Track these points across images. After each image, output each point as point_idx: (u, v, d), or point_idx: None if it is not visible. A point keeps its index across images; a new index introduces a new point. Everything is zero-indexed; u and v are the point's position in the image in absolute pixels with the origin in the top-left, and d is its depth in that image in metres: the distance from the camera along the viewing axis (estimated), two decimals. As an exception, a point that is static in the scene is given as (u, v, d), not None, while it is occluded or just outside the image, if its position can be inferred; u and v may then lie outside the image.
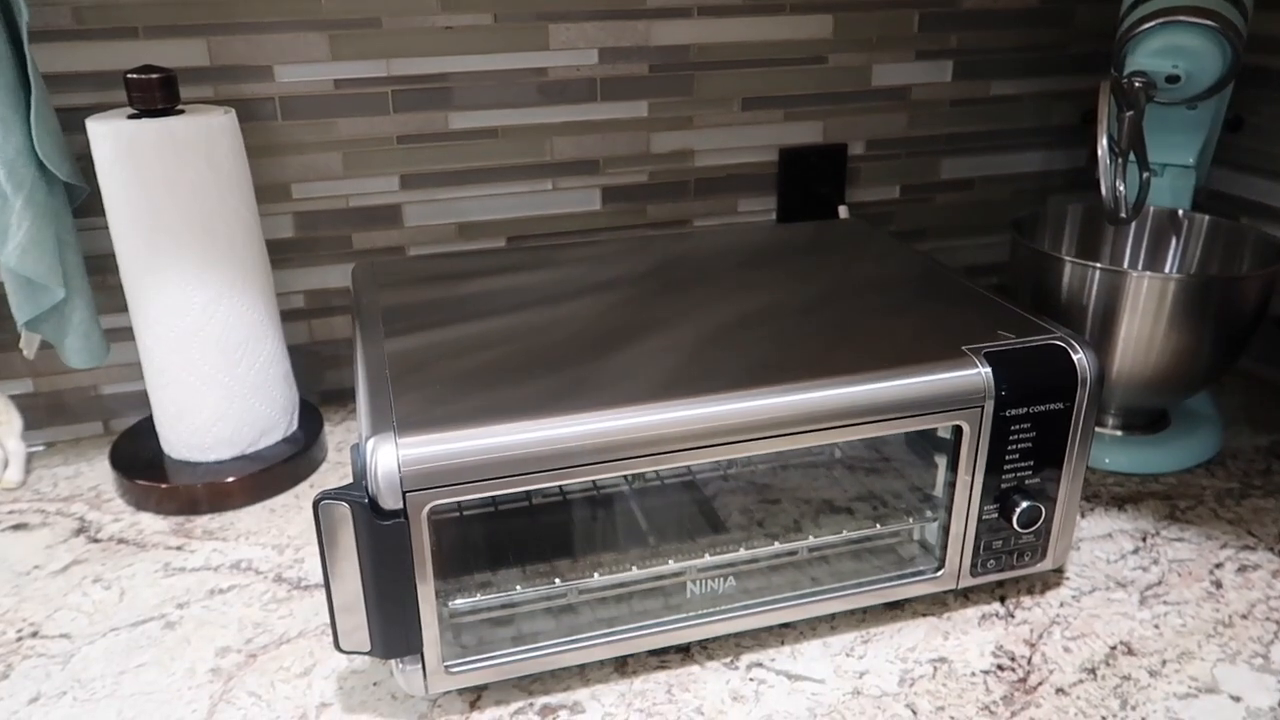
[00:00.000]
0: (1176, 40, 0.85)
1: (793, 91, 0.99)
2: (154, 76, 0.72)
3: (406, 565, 0.52)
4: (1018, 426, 0.61)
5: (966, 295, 0.72)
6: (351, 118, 0.88)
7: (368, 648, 0.54)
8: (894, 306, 0.70)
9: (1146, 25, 0.85)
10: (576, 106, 0.94)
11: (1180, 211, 0.89)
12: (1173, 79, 0.86)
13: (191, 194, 0.73)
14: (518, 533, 0.67)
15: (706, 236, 0.88)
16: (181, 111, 0.74)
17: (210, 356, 0.77)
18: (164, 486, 0.79)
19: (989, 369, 0.60)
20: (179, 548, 0.74)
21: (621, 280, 0.77)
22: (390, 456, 0.51)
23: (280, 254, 0.91)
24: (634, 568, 0.61)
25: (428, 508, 0.52)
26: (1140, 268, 0.92)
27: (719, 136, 0.99)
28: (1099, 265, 0.78)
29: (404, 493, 0.51)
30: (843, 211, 1.00)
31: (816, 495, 0.73)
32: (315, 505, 0.51)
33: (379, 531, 0.51)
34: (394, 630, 0.54)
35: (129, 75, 0.72)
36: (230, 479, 0.79)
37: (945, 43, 1.02)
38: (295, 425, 0.86)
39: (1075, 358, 0.62)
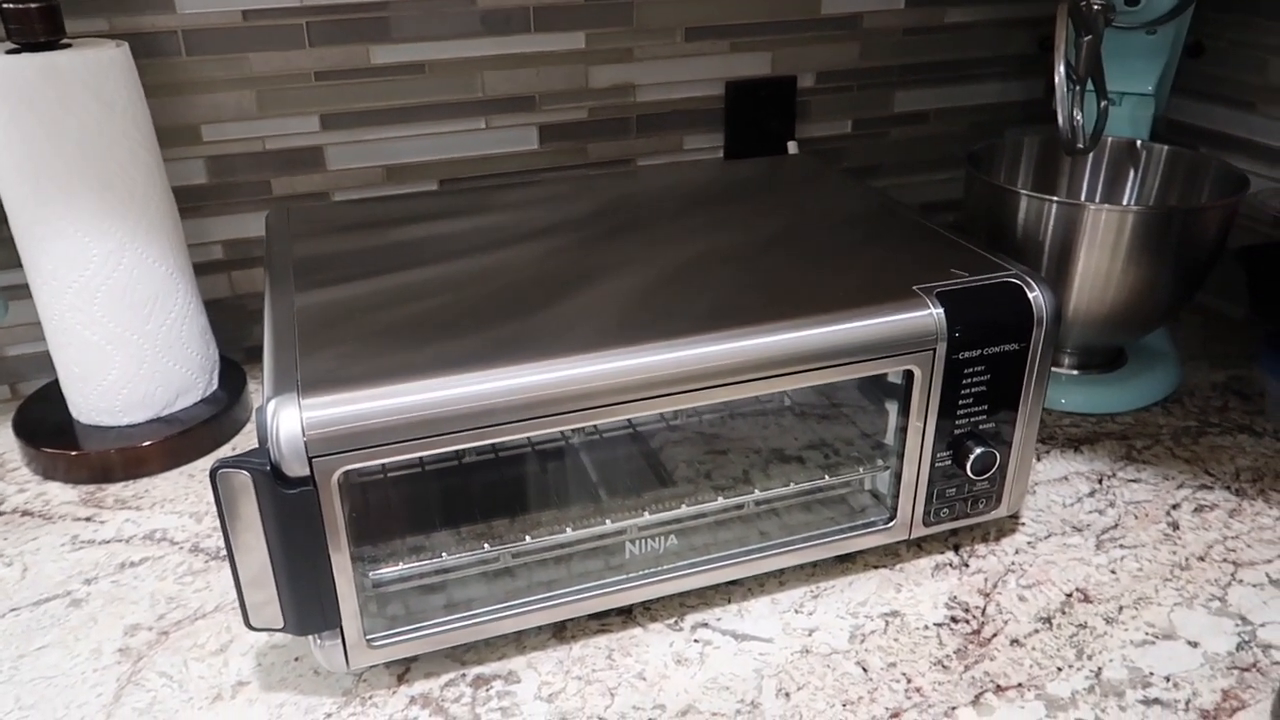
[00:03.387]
0: (1136, -41, 0.81)
1: (739, 20, 0.94)
2: (33, 6, 0.65)
3: (318, 536, 0.48)
4: (971, 370, 0.58)
5: (920, 233, 0.68)
6: (264, 52, 0.82)
7: (280, 624, 0.50)
8: (844, 246, 0.66)
9: (1105, -56, 0.81)
10: (509, 38, 0.88)
11: (1139, 142, 0.86)
12: (1132, 1, 0.83)
13: (81, 136, 0.67)
14: (448, 493, 0.64)
15: (649, 176, 0.83)
16: (68, 45, 0.68)
17: (116, 313, 0.72)
18: (73, 454, 0.73)
19: (941, 309, 0.57)
20: (88, 519, 0.69)
21: (560, 225, 0.72)
22: (293, 419, 0.47)
23: (193, 201, 0.85)
24: (570, 529, 0.58)
25: (338, 473, 0.48)
26: (1098, 200, 0.89)
27: (661, 69, 0.94)
28: (1055, 198, 0.74)
29: (310, 458, 0.47)
30: (792, 148, 0.95)
31: (766, 444, 0.70)
32: (212, 475, 0.46)
33: (284, 501, 0.47)
34: (308, 605, 0.50)
35: (4, 5, 0.65)
36: (145, 444, 0.74)
37: (897, -33, 0.98)
38: (215, 384, 0.81)
39: (1031, 296, 0.59)
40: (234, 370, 0.84)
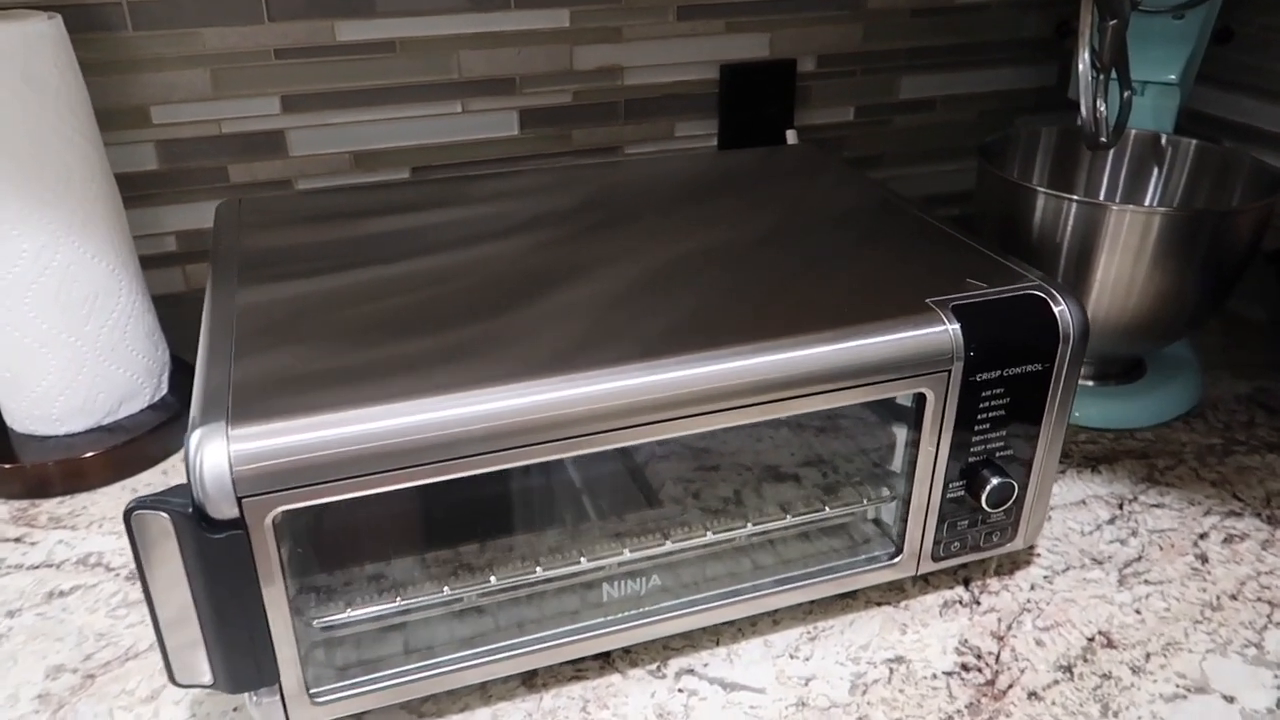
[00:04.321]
0: (1167, -63, 0.75)
1: (735, -2, 0.88)
2: (-51, -27, 0.59)
3: (250, 584, 0.42)
4: (989, 392, 0.52)
5: (930, 235, 0.62)
6: (219, 27, 0.75)
7: (209, 680, 0.44)
8: (847, 249, 0.60)
9: (1133, -80, 0.75)
10: (487, 15, 0.81)
11: (1164, 136, 0.80)
12: (1161, -18, 0.77)
13: (5, 119, 0.60)
14: (410, 513, 0.58)
15: (637, 167, 0.77)
16: (-9, 17, 0.61)
17: (49, 314, 0.65)
18: (6, 466, 0.67)
19: (957, 325, 0.51)
20: (18, 540, 0.63)
21: (538, 220, 0.66)
22: (219, 453, 0.41)
23: (142, 189, 0.78)
24: (540, 568, 0.52)
25: (274, 515, 0.42)
26: (1120, 199, 0.83)
27: (652, 50, 0.87)
28: (1075, 197, 0.68)
29: (239, 499, 0.41)
30: (791, 137, 0.89)
31: (759, 460, 0.64)
32: (126, 517, 0.40)
33: (210, 547, 0.41)
34: (240, 659, 0.44)
35: (-83, -29, 0.59)
36: (85, 455, 0.68)
37: (906, -57, 0.91)
38: (165, 389, 0.74)
39: (1056, 310, 0.53)
40: (187, 372, 0.78)
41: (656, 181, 0.74)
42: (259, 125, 0.79)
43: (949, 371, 0.51)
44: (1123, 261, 0.68)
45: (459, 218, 0.66)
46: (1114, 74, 0.75)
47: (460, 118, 0.84)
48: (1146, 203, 0.82)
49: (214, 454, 0.41)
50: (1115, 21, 0.73)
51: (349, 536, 0.51)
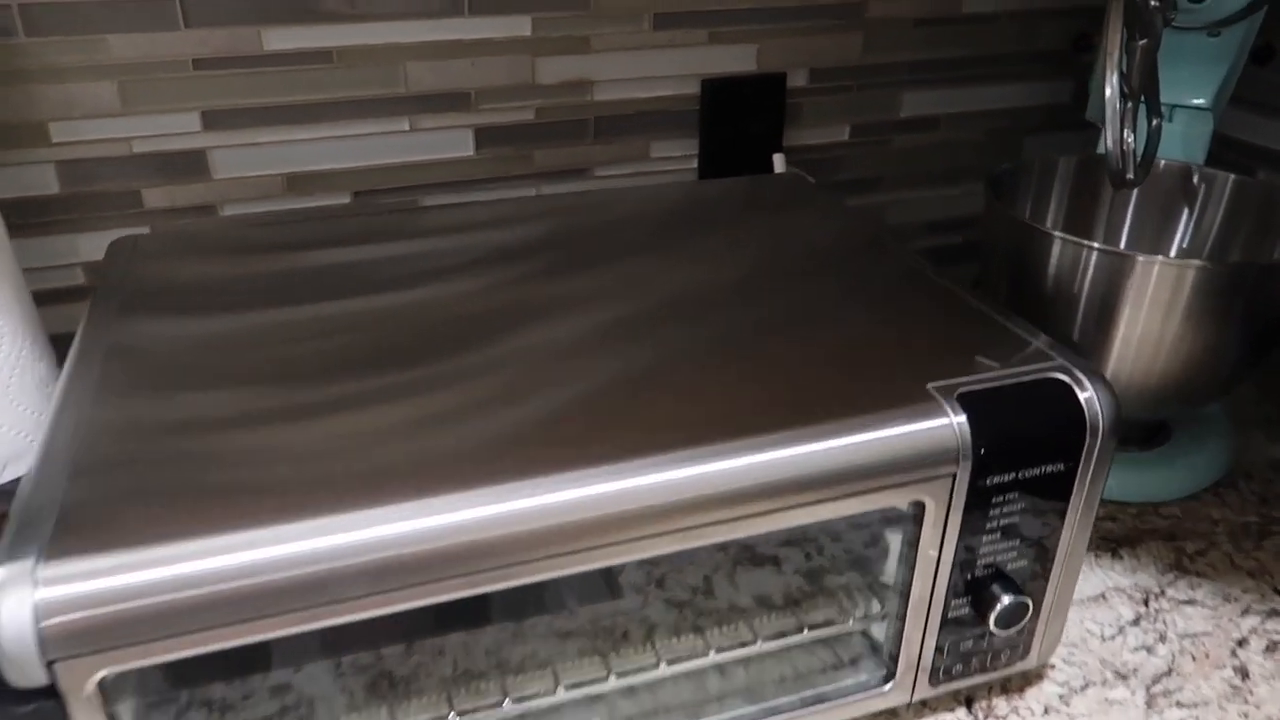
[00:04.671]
0: (1205, -55, 0.66)
1: (718, 5, 0.79)
2: None
3: (70, 762, 0.34)
4: (1002, 497, 0.44)
5: (928, 289, 0.53)
6: (128, 34, 0.66)
7: None
8: (832, 307, 0.51)
9: (1167, -75, 0.66)
10: (437, 22, 0.72)
11: (1196, 171, 0.71)
12: (1197, -4, 0.68)
13: None
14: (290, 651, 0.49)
15: (604, 199, 0.68)
16: None
17: (-88, 367, 0.57)
18: None
19: (963, 418, 0.42)
20: None
21: (485, 259, 0.58)
22: (21, 604, 0.32)
23: (40, 216, 0.69)
24: (456, 715, 0.43)
25: (99, 678, 0.33)
26: (1147, 242, 0.74)
27: (625, 63, 0.78)
28: (1096, 245, 0.60)
29: (49, 663, 0.32)
30: (778, 162, 0.80)
31: (733, 540, 0.55)
32: (-99, 683, 0.32)
33: (13, 720, 0.32)
34: None
35: None
36: (-40, 525, 0.59)
37: (909, -55, 0.82)
38: (61, 445, 0.65)
39: (1082, 397, 0.44)
40: (91, 423, 0.69)
41: (625, 216, 0.65)
42: (177, 144, 0.70)
43: (953, 476, 0.42)
44: (1150, 318, 0.60)
45: (395, 253, 0.59)
46: (1141, 99, 0.66)
47: (408, 136, 0.75)
48: (1177, 244, 0.73)
49: (14, 604, 0.32)
50: (1146, 41, 0.64)
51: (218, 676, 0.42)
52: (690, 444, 0.39)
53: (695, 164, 0.84)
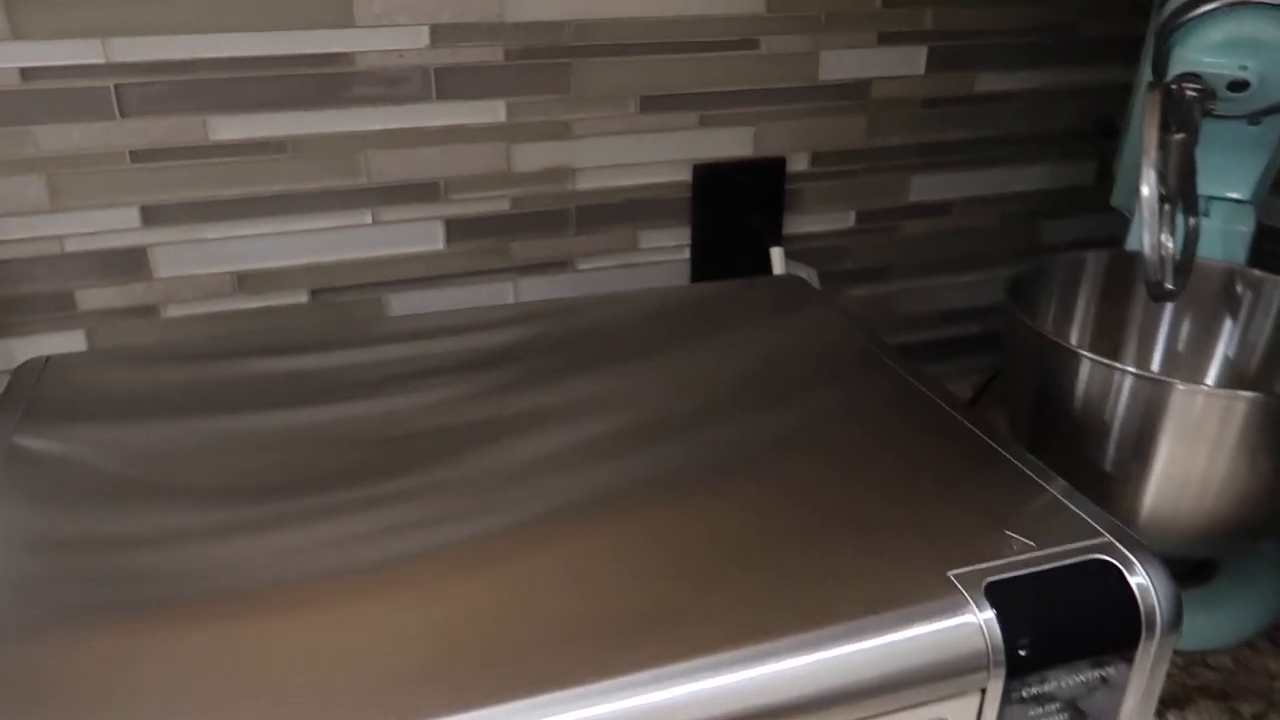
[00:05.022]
0: (1245, 29, 0.60)
1: (712, 87, 0.73)
2: None
3: None
4: (1039, 710, 0.36)
5: (945, 430, 0.46)
6: (56, 125, 0.60)
7: None
8: (830, 464, 0.44)
9: (1203, 8, 0.60)
10: (402, 108, 0.66)
11: (1238, 277, 0.64)
12: (1238, 85, 0.61)
13: None
14: None
15: (584, 307, 0.61)
16: None
17: None
18: None
19: (991, 614, 0.35)
20: None
21: (437, 373, 0.51)
22: None
23: (-38, 321, 0.63)
24: None
25: None
26: (1186, 351, 0.67)
27: (610, 148, 0.72)
28: (1130, 369, 0.53)
29: None
30: (777, 258, 0.73)
31: None
32: None
33: None
34: None
35: None
36: None
37: (918, 22, 0.76)
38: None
39: (1134, 583, 0.37)
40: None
41: (604, 325, 0.59)
42: (113, 241, 0.64)
43: (982, 690, 0.35)
44: (1194, 452, 0.52)
45: (349, 361, 0.53)
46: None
47: (370, 230, 0.69)
48: (1220, 354, 0.66)
49: None
50: (1184, 135, 0.58)
51: None
52: (658, 659, 0.32)
53: (688, 254, 0.78)
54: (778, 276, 0.66)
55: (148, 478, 0.42)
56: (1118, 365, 0.53)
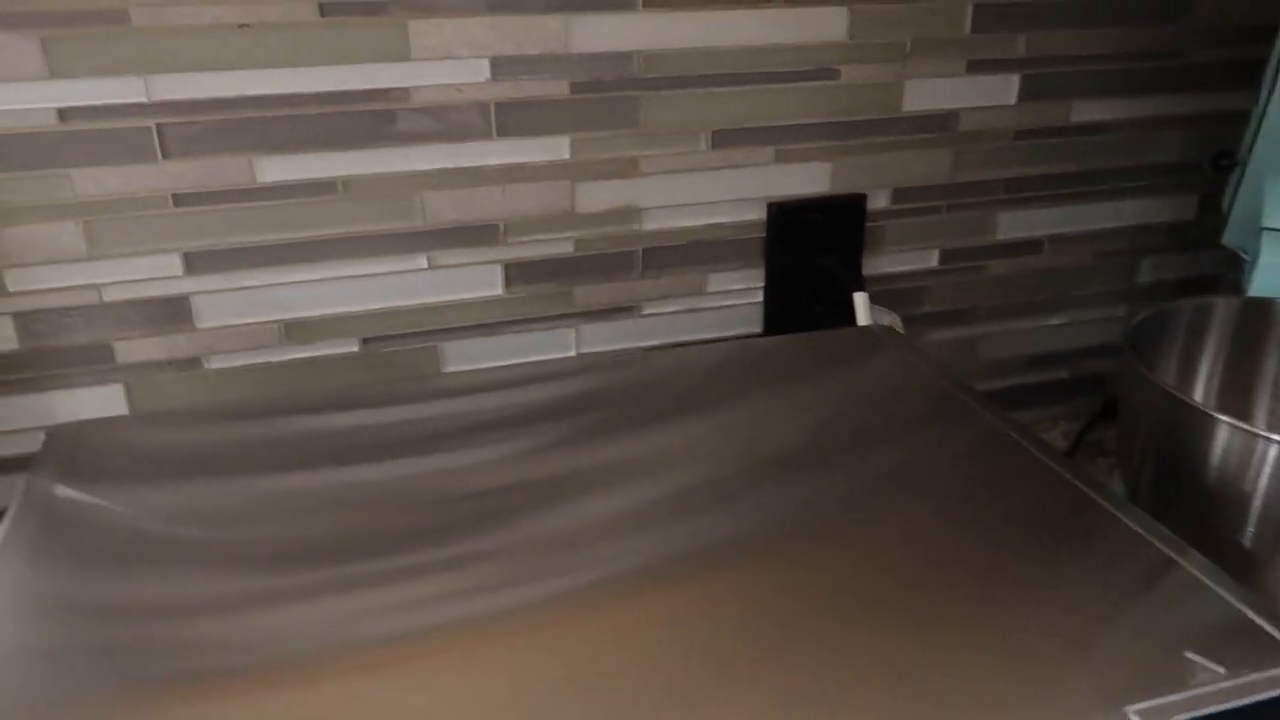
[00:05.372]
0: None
1: (788, 120, 0.68)
2: None
3: None
4: None
5: (1077, 507, 0.40)
6: (94, 168, 0.56)
7: None
8: (927, 530, 0.38)
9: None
10: (461, 146, 0.62)
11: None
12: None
13: None
14: None
15: (648, 364, 0.57)
16: None
17: None
18: None
19: (1185, 762, 0.29)
20: None
21: (495, 429, 0.47)
22: None
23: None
24: None
25: None
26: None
27: (678, 186, 0.67)
28: (1276, 439, 0.46)
29: None
30: (860, 305, 0.68)
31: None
32: None
33: None
34: None
35: None
36: None
37: (1010, 48, 0.71)
38: None
39: (1349, 720, 0.31)
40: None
41: (671, 376, 0.53)
42: (154, 290, 0.60)
43: None
44: (1361, 529, 0.46)
45: (403, 416, 0.49)
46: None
47: (426, 275, 0.64)
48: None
49: None
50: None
51: None
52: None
53: (760, 297, 0.73)
54: (870, 329, 0.61)
55: (191, 541, 0.41)
56: (1262, 433, 0.47)
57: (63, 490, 0.44)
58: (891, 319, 0.71)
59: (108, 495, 0.44)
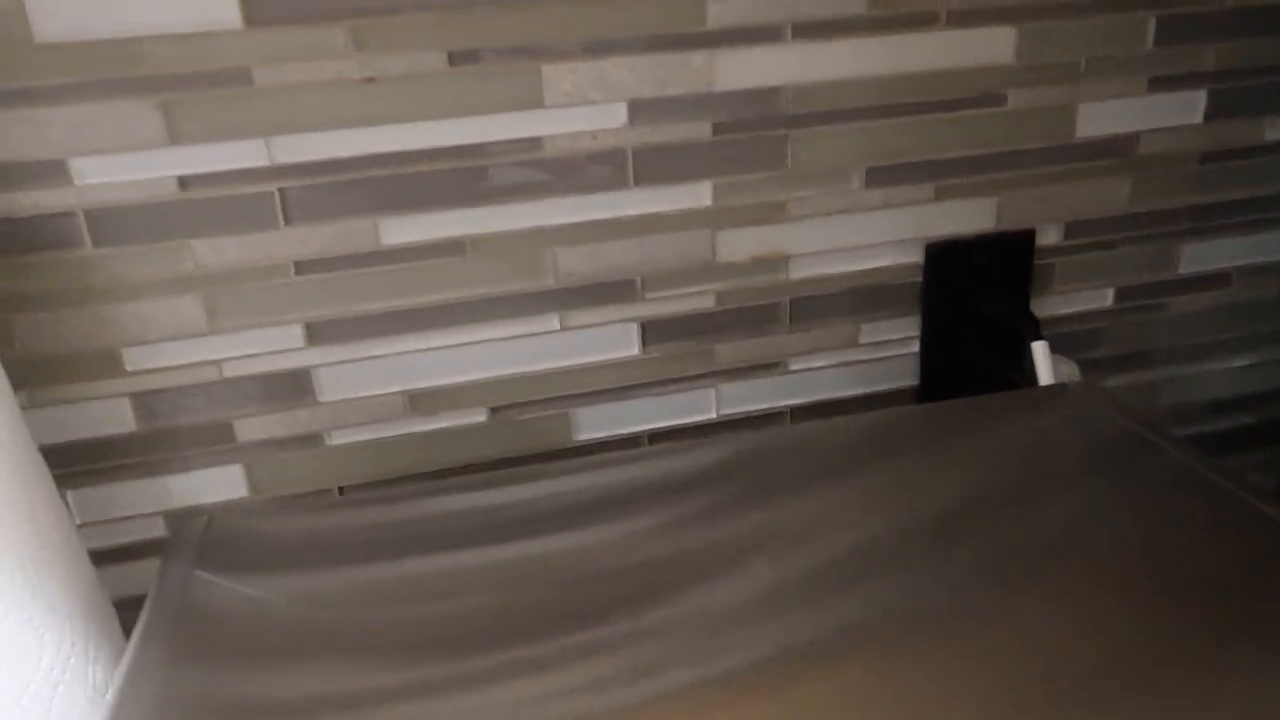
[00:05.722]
0: None
1: (949, 152, 0.61)
2: None
3: None
4: None
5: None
6: (215, 237, 0.53)
7: None
8: (1137, 634, 0.31)
9: None
10: (595, 197, 0.57)
11: None
12: None
13: None
14: None
15: (789, 435, 0.51)
16: None
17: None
18: None
19: None
20: None
21: (634, 504, 0.41)
22: None
23: (116, 459, 0.56)
24: None
25: None
26: None
27: (829, 229, 0.61)
28: None
29: None
30: (1040, 354, 0.60)
31: None
32: None
33: None
34: None
35: None
36: None
37: (1197, 61, 0.63)
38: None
39: None
40: (162, 727, 0.53)
41: (822, 438, 0.47)
42: (275, 364, 0.56)
43: None
44: None
45: (536, 494, 0.43)
46: None
47: (557, 337, 0.59)
48: None
49: None
50: None
51: None
52: None
53: (917, 347, 0.66)
54: (1061, 388, 0.53)
55: (326, 631, 0.38)
56: None
57: (200, 578, 0.41)
58: (1069, 368, 0.63)
59: (248, 583, 0.42)
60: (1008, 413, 0.49)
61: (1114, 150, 0.64)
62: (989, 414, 0.50)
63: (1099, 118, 0.63)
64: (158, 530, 0.58)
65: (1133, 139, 0.64)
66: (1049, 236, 0.65)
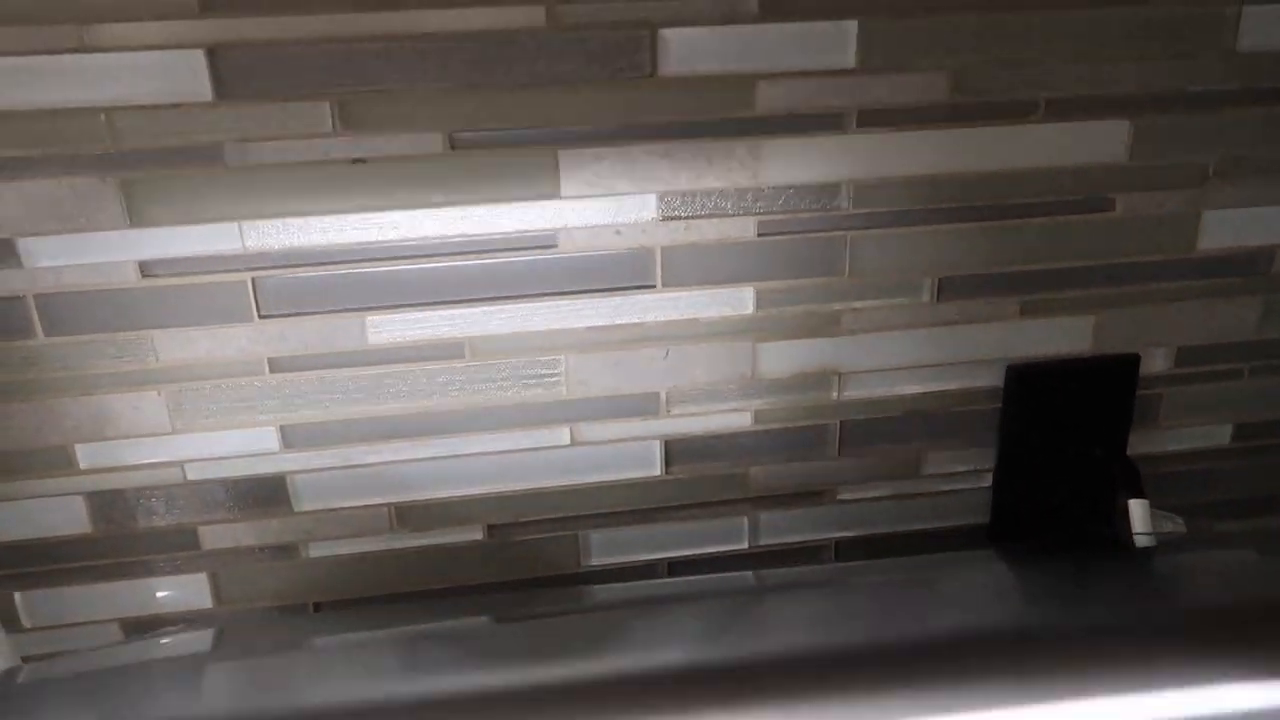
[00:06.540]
0: None
1: (1040, 263, 0.52)
2: None
3: None
4: None
5: None
6: (179, 328, 0.46)
7: None
8: None
9: None
10: (616, 300, 0.49)
11: None
12: None
13: None
14: None
15: (840, 596, 0.42)
16: None
17: None
18: None
19: None
20: None
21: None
22: None
23: (67, 561, 0.50)
24: None
25: None
26: None
27: (891, 345, 0.52)
28: None
29: None
30: (1137, 514, 0.50)
31: None
32: None
33: None
34: None
35: None
36: None
37: (1353, 166, 0.52)
38: None
39: None
40: None
41: (870, 631, 0.39)
42: (246, 468, 0.50)
43: None
44: None
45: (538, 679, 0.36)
46: None
47: (567, 452, 0.52)
48: None
49: None
50: None
51: None
52: None
53: (989, 482, 0.56)
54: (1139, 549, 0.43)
55: None
56: None
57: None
58: (1173, 524, 0.53)
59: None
60: (1096, 623, 0.40)
61: (1243, 266, 0.54)
62: (1084, 597, 0.41)
63: (1227, 228, 0.53)
64: (114, 637, 0.52)
65: (1264, 253, 0.54)
66: (1156, 363, 0.55)
